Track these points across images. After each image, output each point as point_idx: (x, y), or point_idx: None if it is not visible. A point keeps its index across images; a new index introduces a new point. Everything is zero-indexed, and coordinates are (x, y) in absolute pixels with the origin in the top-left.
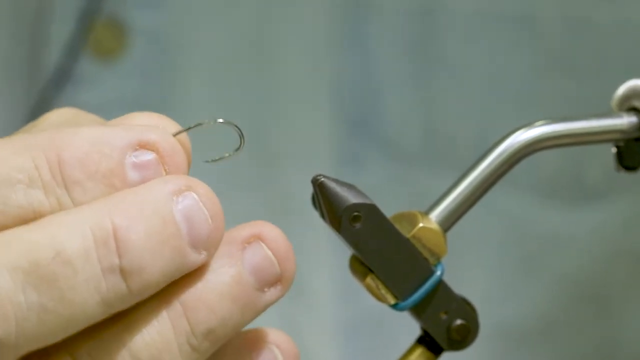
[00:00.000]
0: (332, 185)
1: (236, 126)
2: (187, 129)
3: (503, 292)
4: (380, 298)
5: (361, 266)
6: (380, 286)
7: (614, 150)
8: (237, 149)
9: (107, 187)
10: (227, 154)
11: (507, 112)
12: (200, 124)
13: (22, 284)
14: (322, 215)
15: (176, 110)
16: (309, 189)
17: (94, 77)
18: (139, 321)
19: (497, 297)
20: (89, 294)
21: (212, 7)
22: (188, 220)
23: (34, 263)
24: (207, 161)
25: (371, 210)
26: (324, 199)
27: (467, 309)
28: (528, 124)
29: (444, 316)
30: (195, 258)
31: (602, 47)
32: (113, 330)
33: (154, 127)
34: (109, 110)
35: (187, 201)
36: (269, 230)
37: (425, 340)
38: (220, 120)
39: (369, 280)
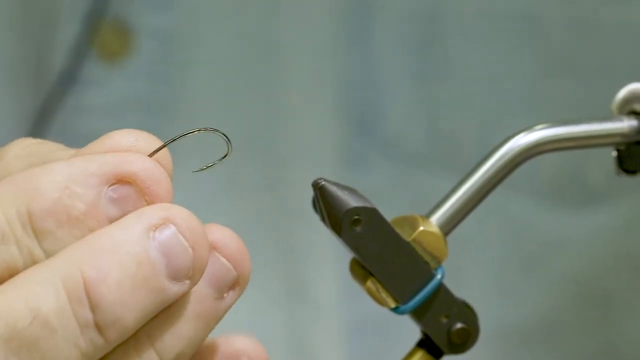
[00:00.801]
0: (333, 188)
1: (222, 134)
2: (168, 143)
3: (504, 293)
4: (380, 301)
5: (362, 270)
6: (381, 290)
7: (614, 153)
8: (224, 157)
9: (82, 231)
10: (212, 163)
11: (511, 113)
12: (183, 136)
13: (4, 352)
14: (323, 219)
15: (182, 111)
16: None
17: (101, 78)
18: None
19: (498, 298)
20: (68, 351)
21: (218, 8)
22: (166, 254)
23: (12, 329)
24: (194, 171)
25: (372, 214)
26: (324, 203)
27: (467, 313)
28: (528, 128)
29: (444, 320)
30: (178, 289)
31: (606, 48)
32: None
33: (130, 154)
34: (115, 112)
35: (164, 235)
36: (222, 236)
37: (426, 344)
38: (204, 129)
39: (369, 283)
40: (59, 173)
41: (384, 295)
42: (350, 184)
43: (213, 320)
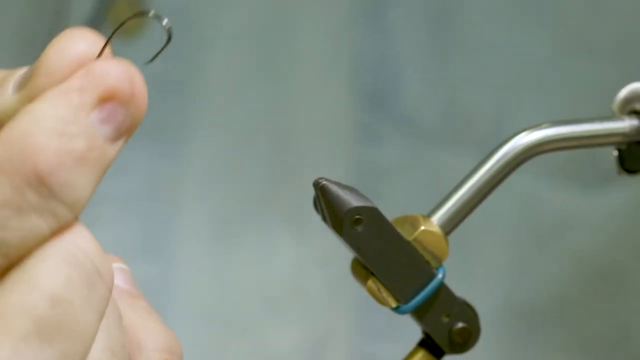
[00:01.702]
0: (334, 188)
1: (157, 16)
2: (111, 37)
3: (516, 271)
4: (381, 301)
5: (363, 269)
6: (382, 289)
7: (615, 153)
8: (167, 42)
9: (91, 165)
10: (160, 50)
11: (527, 91)
12: (122, 25)
13: (39, 347)
14: (324, 218)
15: (197, 88)
16: (327, 167)
17: (115, 55)
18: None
19: (510, 276)
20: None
21: None
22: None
23: (38, 321)
24: (146, 63)
25: (373, 214)
26: (325, 202)
27: (468, 312)
28: (530, 127)
29: (445, 319)
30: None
31: (623, 26)
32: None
33: (99, 67)
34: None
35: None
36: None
37: (427, 344)
38: (140, 14)
39: (370, 283)
40: (47, 118)
41: (385, 294)
42: (365, 160)
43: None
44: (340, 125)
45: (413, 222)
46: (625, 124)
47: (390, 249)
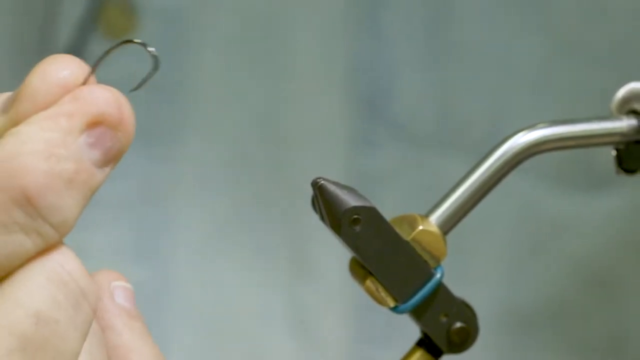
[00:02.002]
0: (332, 188)
1: (143, 44)
2: (97, 64)
3: (512, 275)
4: (380, 301)
5: (361, 269)
6: (380, 289)
7: (613, 153)
8: (154, 69)
9: (79, 188)
10: (144, 79)
11: (521, 94)
12: (107, 53)
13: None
14: (322, 218)
15: (188, 89)
16: (322, 173)
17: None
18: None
19: (506, 280)
20: (73, 332)
21: None
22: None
23: (23, 338)
24: (130, 91)
25: (371, 213)
26: (323, 202)
27: (466, 312)
28: (528, 127)
29: (443, 319)
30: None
31: (617, 30)
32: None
33: (85, 92)
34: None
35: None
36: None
37: (425, 343)
38: (128, 41)
39: (368, 283)
40: (35, 141)
41: (383, 294)
42: (360, 165)
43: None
44: (335, 131)
45: (411, 222)
46: (624, 123)
47: (389, 248)
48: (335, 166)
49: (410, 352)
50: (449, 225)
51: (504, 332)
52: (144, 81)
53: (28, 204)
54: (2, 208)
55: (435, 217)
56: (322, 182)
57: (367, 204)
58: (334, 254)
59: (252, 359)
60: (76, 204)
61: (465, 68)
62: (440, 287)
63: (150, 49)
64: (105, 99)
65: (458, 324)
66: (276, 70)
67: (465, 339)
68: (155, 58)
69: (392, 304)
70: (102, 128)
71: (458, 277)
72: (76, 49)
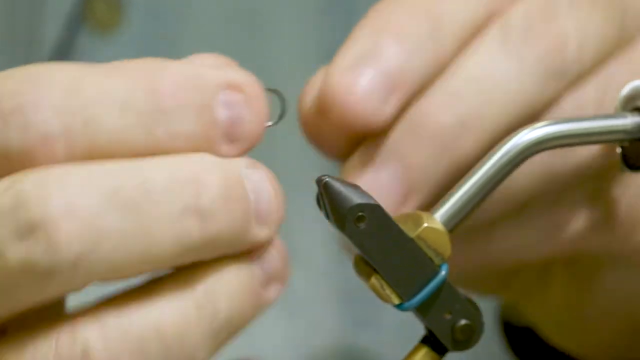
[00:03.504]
0: (337, 185)
1: (279, 94)
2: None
3: None
4: (384, 298)
5: (366, 266)
6: (385, 286)
7: (618, 150)
8: (280, 117)
9: (197, 120)
10: (269, 124)
11: None
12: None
13: (107, 205)
14: (327, 216)
15: None
16: (302, 162)
17: (92, 50)
18: (168, 296)
19: None
20: (166, 229)
21: None
22: (256, 193)
23: (121, 187)
24: (266, 127)
25: (376, 211)
26: (328, 199)
27: (471, 309)
28: (533, 124)
29: (448, 316)
30: (258, 232)
31: None
32: (142, 300)
33: (241, 70)
34: None
35: (257, 176)
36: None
37: (430, 340)
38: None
39: (373, 280)
40: (182, 65)
41: (388, 291)
42: None
43: (251, 301)
44: None
45: (416, 219)
46: (628, 121)
47: (394, 246)
48: (315, 157)
49: (415, 350)
50: (453, 222)
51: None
52: (274, 123)
53: (150, 92)
54: (131, 86)
55: (440, 215)
56: (327, 179)
57: (372, 202)
58: (319, 237)
59: (241, 345)
60: (182, 120)
61: None
62: (445, 284)
63: (278, 96)
64: (252, 81)
65: (462, 321)
66: (259, 60)
67: (469, 336)
68: (283, 104)
69: (397, 301)
70: (239, 96)
71: None
72: (63, 45)
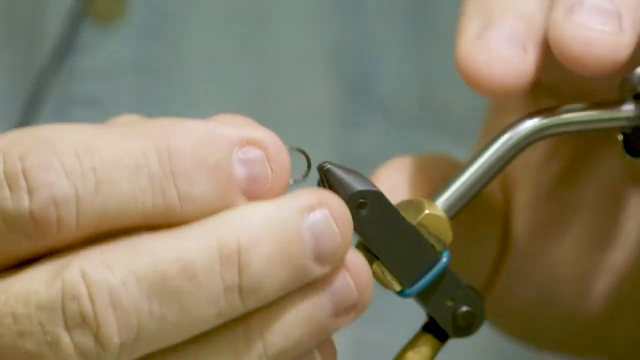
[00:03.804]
0: (338, 172)
1: (303, 152)
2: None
3: None
4: (386, 285)
5: (367, 253)
6: (386, 273)
7: (620, 137)
8: (305, 175)
9: (213, 180)
10: (292, 182)
11: None
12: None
13: (148, 294)
14: None
15: (177, 74)
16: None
17: (95, 42)
18: (217, 338)
19: None
20: (207, 308)
21: None
22: (316, 236)
23: (161, 275)
24: (290, 186)
25: (377, 198)
26: (329, 186)
27: (472, 296)
28: (534, 111)
29: (449, 303)
30: (318, 271)
31: None
32: (191, 344)
33: (258, 125)
34: (110, 76)
35: (317, 217)
36: (354, 258)
37: (431, 327)
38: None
39: (375, 267)
40: (196, 123)
41: (389, 278)
42: (345, 147)
43: (321, 333)
44: (321, 113)
45: (417, 206)
46: (630, 107)
47: (395, 233)
48: (322, 147)
49: (417, 337)
50: (454, 209)
51: None
52: (299, 182)
53: (166, 158)
54: (144, 150)
55: (441, 202)
56: (328, 166)
57: (373, 189)
58: None
59: None
60: (198, 183)
61: (448, 49)
62: (446, 271)
63: (299, 149)
64: (272, 136)
65: (464, 308)
66: (263, 54)
67: (471, 322)
68: (309, 162)
69: (398, 287)
70: (258, 153)
71: None
72: (65, 38)
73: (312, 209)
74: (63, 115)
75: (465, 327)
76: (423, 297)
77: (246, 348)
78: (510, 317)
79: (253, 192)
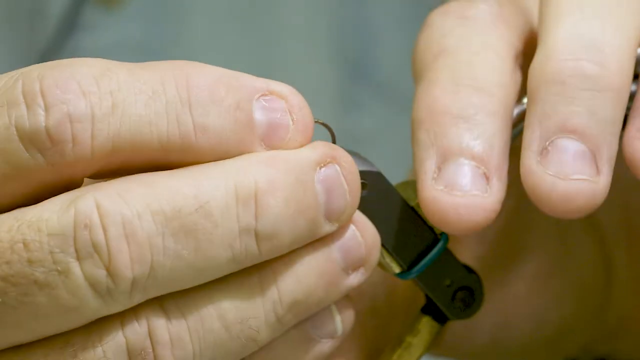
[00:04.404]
0: None
1: (327, 126)
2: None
3: None
4: (385, 267)
5: None
6: (385, 255)
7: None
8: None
9: (231, 118)
10: None
11: None
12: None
13: (163, 229)
14: None
15: (180, 55)
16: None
17: (98, 23)
18: (231, 282)
19: None
20: (222, 249)
21: None
22: (327, 192)
23: (177, 210)
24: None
25: (377, 178)
26: None
27: (471, 278)
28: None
29: (448, 284)
30: (327, 229)
31: None
32: (204, 287)
33: (286, 85)
34: (113, 56)
35: (330, 172)
36: (362, 219)
37: (430, 310)
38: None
39: None
40: (219, 69)
41: (388, 260)
42: (345, 127)
43: (333, 289)
44: (321, 93)
45: (417, 188)
46: (632, 87)
47: (394, 214)
48: (321, 127)
49: (416, 319)
50: None
51: None
52: None
53: (184, 85)
54: (162, 79)
55: None
56: None
57: (373, 169)
58: None
59: None
60: (215, 116)
61: None
62: (445, 252)
63: (322, 124)
64: (296, 92)
65: (462, 290)
66: (264, 35)
67: (469, 304)
68: (332, 133)
69: (397, 270)
70: (280, 102)
71: None
72: (68, 19)
73: (325, 163)
74: None
75: (464, 309)
76: (422, 279)
77: (260, 293)
78: (467, 356)
79: (272, 141)
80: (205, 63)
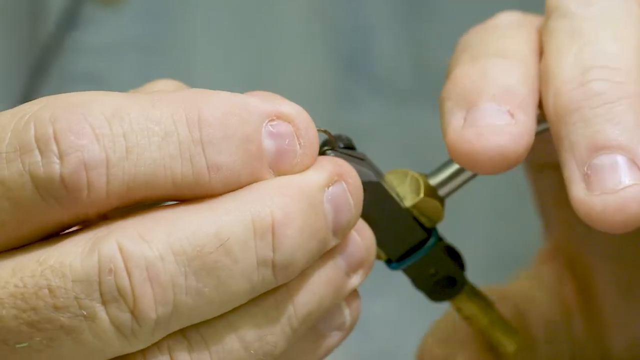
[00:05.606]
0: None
1: (327, 132)
2: None
3: (500, 223)
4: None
5: None
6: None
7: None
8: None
9: (242, 151)
10: None
11: None
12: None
13: (185, 269)
14: None
15: (180, 51)
16: None
17: (99, 19)
18: (249, 306)
19: (494, 228)
20: (242, 283)
21: None
22: (335, 209)
23: (199, 250)
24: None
25: (375, 187)
26: None
27: (454, 264)
28: None
29: (432, 271)
30: (334, 243)
31: None
32: (222, 317)
33: (288, 101)
34: (114, 53)
35: (337, 190)
36: (359, 221)
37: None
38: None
39: None
40: (227, 95)
41: (379, 253)
42: (342, 122)
43: (338, 292)
44: (317, 89)
45: (414, 187)
46: None
47: (388, 214)
48: (318, 123)
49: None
50: (449, 188)
51: (491, 282)
52: None
53: (196, 125)
54: (174, 118)
55: (437, 181)
56: (329, 152)
57: (373, 179)
58: None
59: None
60: (227, 152)
61: (443, 24)
62: (434, 248)
63: (324, 131)
64: (302, 111)
65: (445, 275)
66: (262, 32)
67: (449, 286)
68: (332, 139)
69: (385, 258)
70: (288, 127)
71: (445, 227)
72: (68, 15)
73: (333, 182)
74: (65, 92)
75: (444, 292)
76: (409, 268)
77: (276, 311)
78: None
79: (280, 167)
80: (204, 59)
